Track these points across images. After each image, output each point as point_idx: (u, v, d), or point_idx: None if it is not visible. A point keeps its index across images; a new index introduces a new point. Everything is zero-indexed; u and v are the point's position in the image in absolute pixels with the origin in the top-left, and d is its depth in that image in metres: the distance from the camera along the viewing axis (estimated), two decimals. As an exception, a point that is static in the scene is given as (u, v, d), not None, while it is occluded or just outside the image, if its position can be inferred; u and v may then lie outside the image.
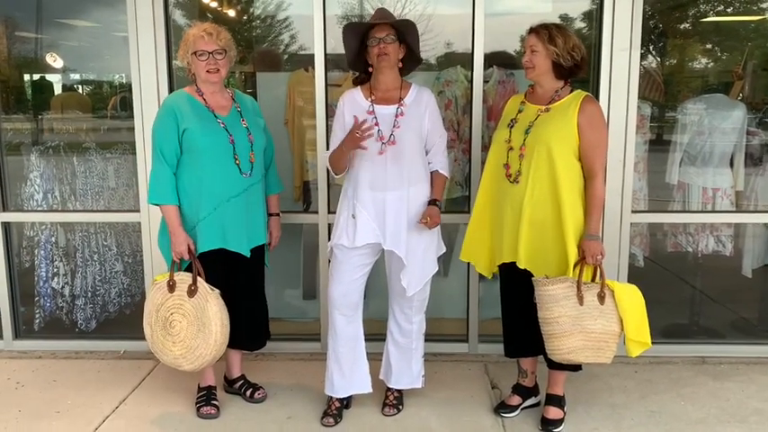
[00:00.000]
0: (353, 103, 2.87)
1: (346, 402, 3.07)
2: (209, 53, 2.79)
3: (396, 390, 3.09)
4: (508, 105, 2.91)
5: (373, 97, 2.85)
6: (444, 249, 3.05)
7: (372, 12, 4.17)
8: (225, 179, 2.84)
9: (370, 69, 2.85)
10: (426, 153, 2.90)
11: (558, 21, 3.71)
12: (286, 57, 4.43)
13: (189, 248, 2.82)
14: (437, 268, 3.01)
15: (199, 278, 2.81)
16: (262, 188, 3.01)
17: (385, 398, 3.09)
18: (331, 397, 3.03)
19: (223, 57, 2.83)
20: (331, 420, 2.96)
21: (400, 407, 3.07)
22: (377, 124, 2.80)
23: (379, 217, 2.83)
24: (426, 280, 2.95)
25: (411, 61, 2.89)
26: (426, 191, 2.90)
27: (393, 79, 2.85)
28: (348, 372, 2.99)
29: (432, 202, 2.90)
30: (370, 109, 2.83)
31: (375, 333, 3.19)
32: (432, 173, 2.93)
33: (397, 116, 2.81)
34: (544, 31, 2.68)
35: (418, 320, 3.03)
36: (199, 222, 2.84)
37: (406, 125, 2.81)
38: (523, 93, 2.89)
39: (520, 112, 2.80)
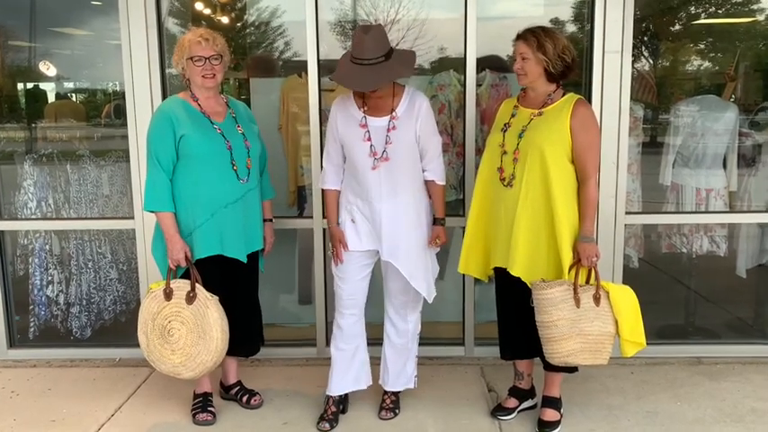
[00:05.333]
0: (346, 114, 2.83)
1: (343, 407, 3.07)
2: (206, 58, 2.78)
3: (392, 393, 3.09)
4: (501, 109, 2.92)
5: (366, 108, 2.79)
6: (438, 248, 3.05)
7: (365, 17, 4.22)
8: (222, 185, 2.84)
9: None
10: (421, 158, 2.86)
11: (549, 24, 3.74)
12: (280, 63, 4.44)
13: (186, 255, 2.81)
14: (438, 267, 3.04)
15: (197, 285, 2.79)
16: (258, 194, 3.01)
17: (382, 401, 3.09)
18: (328, 400, 3.03)
19: (219, 62, 2.83)
20: (326, 425, 2.95)
21: (397, 411, 3.07)
22: (369, 139, 2.77)
23: (376, 227, 2.84)
24: (434, 277, 2.98)
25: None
26: (420, 197, 2.89)
27: (386, 89, 2.78)
28: (346, 369, 3.00)
29: (436, 221, 2.93)
30: (363, 122, 2.78)
31: (370, 337, 3.18)
32: (428, 183, 2.91)
33: (389, 130, 2.77)
34: (532, 38, 2.66)
35: (414, 320, 3.04)
36: (196, 229, 2.83)
37: (399, 139, 2.76)
38: (516, 96, 2.89)
39: (513, 116, 2.80)
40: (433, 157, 2.88)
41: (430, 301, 2.95)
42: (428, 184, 2.92)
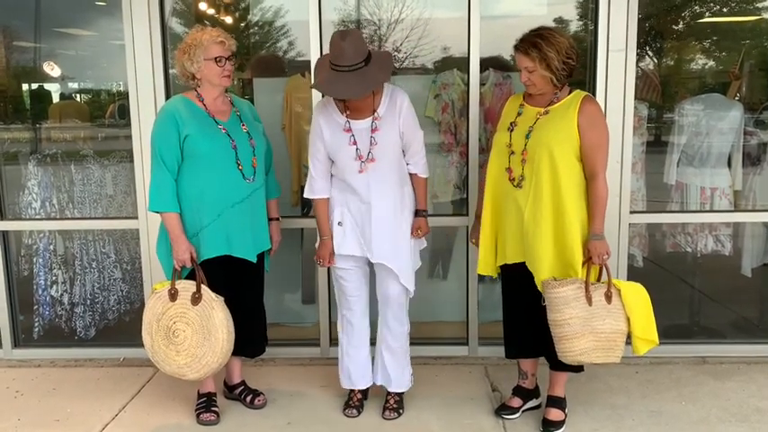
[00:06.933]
0: (329, 119, 2.83)
1: (365, 394, 3.12)
2: (226, 59, 2.80)
3: (396, 393, 3.09)
4: (507, 107, 2.89)
5: (348, 111, 2.80)
6: (425, 244, 3.08)
7: (368, 16, 4.22)
8: (228, 185, 2.83)
9: None
10: (404, 153, 2.89)
11: (551, 24, 3.73)
12: (283, 63, 4.44)
13: (191, 256, 2.80)
14: (420, 263, 3.06)
15: (203, 285, 2.79)
16: (264, 193, 3.01)
17: (385, 401, 3.09)
18: (352, 389, 3.08)
19: (232, 62, 2.85)
20: (354, 412, 3.03)
21: (401, 410, 3.06)
22: (354, 143, 2.78)
23: (365, 229, 2.85)
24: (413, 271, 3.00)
25: None
26: (408, 194, 2.91)
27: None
28: (365, 363, 3.06)
29: (418, 213, 2.95)
30: (347, 126, 2.79)
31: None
32: (411, 176, 2.93)
33: (372, 131, 2.78)
34: (534, 52, 2.60)
35: (407, 320, 3.06)
36: (202, 229, 2.83)
37: (383, 139, 2.78)
38: (521, 93, 2.86)
39: (519, 114, 2.78)
40: (416, 151, 2.91)
41: (411, 295, 2.97)
42: (411, 177, 2.94)
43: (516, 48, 2.68)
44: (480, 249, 2.94)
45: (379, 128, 2.78)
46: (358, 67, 2.62)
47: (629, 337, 2.72)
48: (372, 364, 3.11)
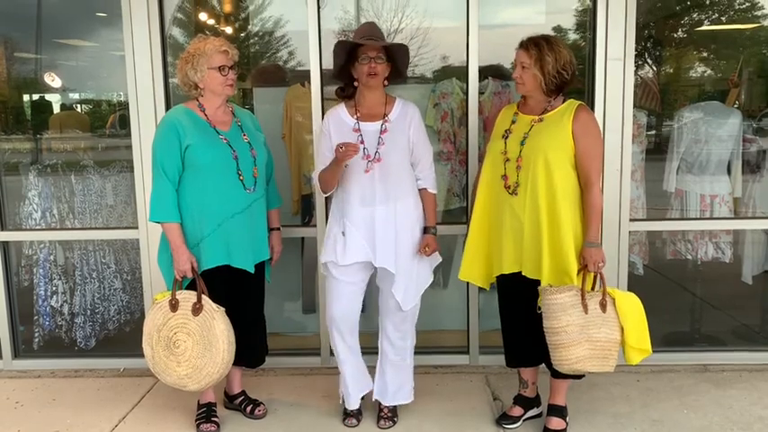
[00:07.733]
0: (339, 121, 2.87)
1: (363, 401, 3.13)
2: (229, 68, 2.82)
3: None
4: (501, 116, 2.91)
5: (358, 114, 2.85)
6: (440, 260, 3.04)
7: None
8: (228, 195, 2.83)
9: (356, 84, 2.85)
10: (414, 167, 2.90)
11: (551, 32, 3.73)
12: (283, 72, 4.45)
13: (192, 266, 2.80)
14: (432, 279, 3.02)
15: (204, 296, 2.78)
16: (264, 203, 3.01)
17: (379, 410, 3.08)
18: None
19: (235, 71, 2.87)
20: (354, 421, 3.04)
21: (395, 419, 3.06)
22: (362, 142, 2.80)
23: (369, 234, 2.83)
24: (421, 293, 2.96)
25: (394, 77, 2.89)
26: (414, 205, 2.90)
27: (378, 95, 2.86)
28: (357, 381, 3.05)
29: (426, 230, 2.94)
30: (356, 126, 2.83)
31: (367, 346, 3.16)
32: (421, 191, 2.93)
33: (381, 133, 2.81)
34: (534, 49, 2.65)
35: (411, 335, 3.04)
36: (203, 239, 2.83)
37: (391, 142, 2.81)
38: (516, 103, 2.89)
39: (513, 122, 2.80)
40: (426, 166, 2.92)
41: (404, 309, 2.91)
42: (420, 193, 2.94)
43: (520, 44, 2.73)
44: (464, 255, 2.94)
45: (388, 130, 2.82)
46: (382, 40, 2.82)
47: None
48: (372, 375, 3.10)
